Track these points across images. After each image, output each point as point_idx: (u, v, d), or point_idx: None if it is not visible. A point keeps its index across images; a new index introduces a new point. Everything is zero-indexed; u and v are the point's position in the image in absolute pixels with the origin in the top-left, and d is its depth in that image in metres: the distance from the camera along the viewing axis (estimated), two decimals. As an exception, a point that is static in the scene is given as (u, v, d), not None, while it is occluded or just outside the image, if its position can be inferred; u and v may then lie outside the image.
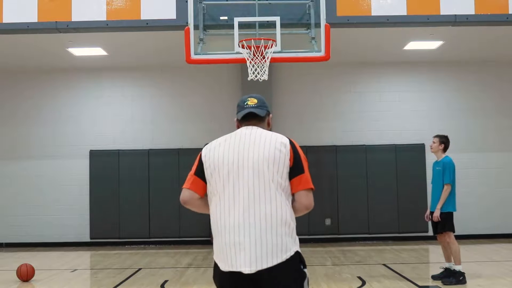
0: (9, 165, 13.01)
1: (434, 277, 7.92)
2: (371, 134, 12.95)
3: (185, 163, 12.77)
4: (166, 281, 8.37)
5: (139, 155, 12.88)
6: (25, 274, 8.44)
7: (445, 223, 7.69)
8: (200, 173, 3.07)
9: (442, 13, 7.39)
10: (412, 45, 11.50)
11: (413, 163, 12.80)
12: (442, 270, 7.93)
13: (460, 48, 11.85)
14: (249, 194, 2.91)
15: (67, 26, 7.39)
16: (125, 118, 13.08)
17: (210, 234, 11.68)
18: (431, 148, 8.01)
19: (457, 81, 13.14)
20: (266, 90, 12.47)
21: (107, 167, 12.80)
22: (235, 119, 3.23)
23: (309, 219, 11.82)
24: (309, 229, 12.32)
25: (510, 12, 7.40)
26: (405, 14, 7.39)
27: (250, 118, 3.15)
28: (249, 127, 3.11)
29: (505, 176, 12.93)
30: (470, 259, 9.73)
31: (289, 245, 2.89)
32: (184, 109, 13.08)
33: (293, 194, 3.01)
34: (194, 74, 12.92)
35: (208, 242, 12.63)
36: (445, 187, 7.64)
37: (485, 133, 12.98)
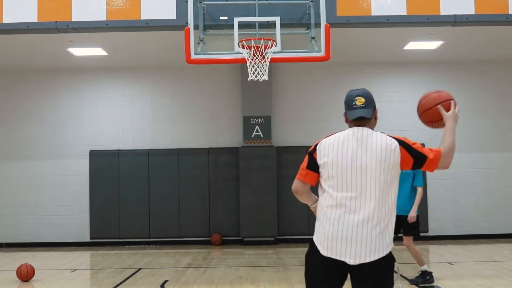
0: (9, 165, 13.01)
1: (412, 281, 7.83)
2: (371, 134, 12.93)
3: (185, 163, 12.81)
4: (166, 281, 8.37)
5: (139, 155, 12.88)
6: (25, 274, 8.44)
7: (412, 227, 7.66)
8: (313, 166, 3.35)
9: (442, 13, 7.39)
10: (412, 45, 11.50)
11: (413, 163, 12.78)
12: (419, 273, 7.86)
13: (460, 48, 11.85)
14: (359, 195, 3.21)
15: (67, 26, 7.39)
16: (125, 118, 13.09)
17: (210, 234, 11.58)
18: None
19: (457, 81, 13.13)
20: (266, 90, 12.49)
21: (107, 167, 12.79)
22: (344, 112, 3.47)
23: (309, 219, 11.80)
24: (309, 229, 12.30)
25: (510, 12, 7.40)
26: (405, 14, 7.39)
27: (359, 119, 3.39)
28: (360, 130, 3.34)
29: (505, 176, 12.93)
30: (470, 259, 9.73)
31: (387, 243, 3.24)
32: (184, 109, 13.08)
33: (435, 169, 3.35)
34: (194, 74, 12.92)
35: (208, 242, 12.63)
36: (419, 189, 7.65)
37: (485, 133, 12.98)
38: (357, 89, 3.50)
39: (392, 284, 3.27)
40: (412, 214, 7.62)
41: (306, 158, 3.40)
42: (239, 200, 12.43)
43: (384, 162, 3.23)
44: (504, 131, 13.01)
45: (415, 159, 3.28)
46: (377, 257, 3.18)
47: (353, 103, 3.41)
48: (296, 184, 3.44)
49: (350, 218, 3.19)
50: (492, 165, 12.93)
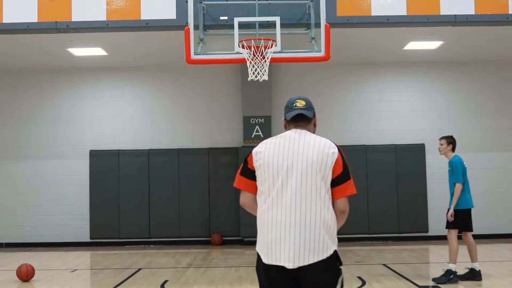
0: (9, 165, 13.01)
1: (461, 277, 7.87)
2: (371, 134, 12.95)
3: (185, 163, 12.81)
4: (166, 281, 8.37)
5: (139, 155, 12.88)
6: (25, 274, 8.44)
7: (451, 221, 7.79)
8: (247, 172, 3.29)
9: (442, 13, 7.39)
10: (412, 45, 11.50)
11: (413, 163, 12.79)
12: (467, 270, 7.90)
13: (460, 48, 11.85)
14: (296, 195, 3.12)
15: (67, 26, 7.39)
16: (125, 118, 13.08)
17: (210, 234, 11.54)
18: (440, 151, 8.07)
19: (457, 81, 13.13)
20: (266, 90, 12.48)
21: (107, 167, 12.79)
22: (283, 118, 3.42)
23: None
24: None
25: (510, 12, 7.40)
26: (405, 14, 7.39)
27: (298, 120, 3.34)
28: (298, 131, 3.30)
29: (505, 176, 12.92)
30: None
31: (329, 245, 3.13)
32: (184, 109, 13.08)
33: (333, 201, 3.21)
34: (194, 74, 12.92)
35: (208, 242, 12.63)
36: (456, 185, 7.76)
37: (485, 133, 12.98)
38: (298, 96, 3.46)
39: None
40: (449, 212, 7.78)
41: (241, 165, 3.34)
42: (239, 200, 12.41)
43: (321, 162, 3.14)
44: (504, 131, 13.01)
45: (343, 172, 3.18)
46: (316, 259, 3.06)
47: (293, 105, 3.35)
48: (240, 196, 3.36)
49: (286, 220, 3.09)
50: (492, 165, 12.93)
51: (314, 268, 3.07)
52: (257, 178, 3.24)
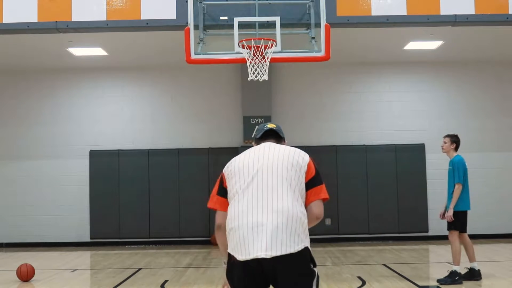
0: (9, 165, 13.01)
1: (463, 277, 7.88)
2: (371, 134, 12.95)
3: (185, 163, 12.81)
4: (166, 281, 8.38)
5: (139, 155, 12.88)
6: (25, 274, 8.44)
7: (452, 222, 7.76)
8: (223, 191, 3.31)
9: (442, 13, 7.39)
10: (412, 45, 11.51)
11: (413, 163, 12.80)
12: (466, 270, 7.90)
13: (460, 48, 11.85)
14: (268, 190, 3.15)
15: (67, 26, 7.39)
16: (125, 118, 13.09)
17: (210, 234, 11.51)
18: (442, 149, 8.03)
19: (457, 81, 13.14)
20: (266, 90, 12.48)
21: (107, 167, 12.80)
22: (252, 142, 3.50)
23: (309, 219, 11.82)
24: (309, 229, 12.29)
25: (510, 12, 7.40)
26: (405, 14, 7.39)
27: (269, 137, 3.47)
28: (268, 143, 3.40)
29: (505, 176, 12.93)
30: (470, 259, 9.72)
31: (302, 239, 3.11)
32: (184, 109, 13.08)
33: (306, 205, 3.25)
34: (194, 74, 12.92)
35: (208, 242, 12.63)
36: (456, 186, 7.73)
37: (485, 133, 12.98)
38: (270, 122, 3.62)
39: (309, 284, 3.12)
40: (449, 213, 7.74)
41: (216, 185, 3.37)
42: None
43: (292, 161, 3.22)
44: (504, 131, 13.01)
45: (316, 175, 3.27)
46: (288, 251, 3.02)
47: (264, 126, 3.53)
48: (216, 217, 3.31)
49: (259, 215, 3.08)
50: (492, 165, 12.93)
51: (287, 261, 3.02)
52: (229, 187, 3.26)
